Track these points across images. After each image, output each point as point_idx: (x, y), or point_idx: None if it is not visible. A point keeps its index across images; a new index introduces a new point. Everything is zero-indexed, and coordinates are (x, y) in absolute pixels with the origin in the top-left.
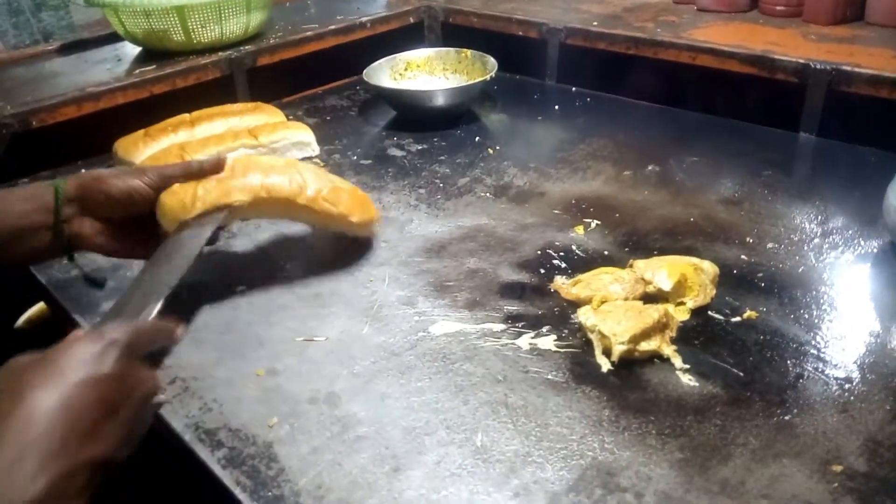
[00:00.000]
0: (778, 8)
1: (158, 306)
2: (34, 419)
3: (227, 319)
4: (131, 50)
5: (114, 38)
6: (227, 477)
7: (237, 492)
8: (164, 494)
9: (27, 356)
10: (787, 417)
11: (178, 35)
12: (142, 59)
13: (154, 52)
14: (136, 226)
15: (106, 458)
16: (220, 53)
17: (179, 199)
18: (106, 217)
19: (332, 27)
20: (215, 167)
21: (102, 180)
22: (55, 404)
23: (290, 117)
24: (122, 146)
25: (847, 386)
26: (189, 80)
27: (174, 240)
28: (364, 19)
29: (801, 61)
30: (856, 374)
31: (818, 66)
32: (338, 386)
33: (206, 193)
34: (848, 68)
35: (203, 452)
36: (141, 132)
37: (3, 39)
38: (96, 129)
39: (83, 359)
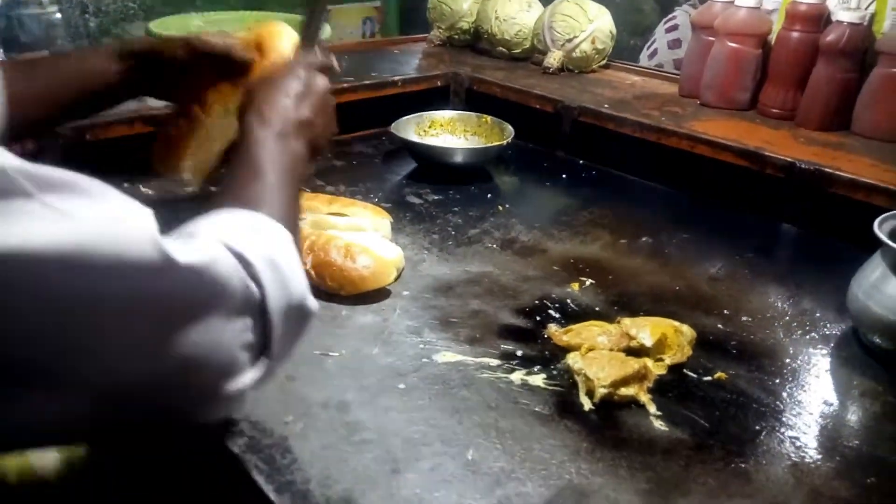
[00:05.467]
0: (773, 110)
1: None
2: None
3: None
4: None
5: None
6: (247, 461)
7: (255, 474)
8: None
9: None
10: (743, 465)
11: None
12: None
13: None
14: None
15: (310, 123)
16: None
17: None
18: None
19: (367, 82)
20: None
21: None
22: (277, 86)
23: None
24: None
25: (799, 445)
26: None
27: None
28: (396, 78)
29: (789, 160)
30: (808, 436)
31: (803, 166)
32: (348, 396)
33: None
34: (830, 170)
35: (227, 439)
36: None
37: None
38: (144, 149)
39: (293, 69)
